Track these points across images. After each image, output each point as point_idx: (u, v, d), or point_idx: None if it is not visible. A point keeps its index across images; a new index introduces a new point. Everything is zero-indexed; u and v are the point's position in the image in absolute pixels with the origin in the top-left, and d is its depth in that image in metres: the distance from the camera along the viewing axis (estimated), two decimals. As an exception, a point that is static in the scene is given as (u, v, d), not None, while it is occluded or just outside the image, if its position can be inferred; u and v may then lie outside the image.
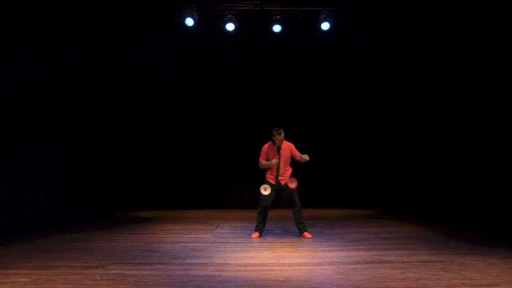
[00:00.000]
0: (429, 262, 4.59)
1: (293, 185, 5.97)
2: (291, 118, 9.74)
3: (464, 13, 7.12)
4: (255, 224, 6.23)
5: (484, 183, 7.34)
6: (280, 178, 6.06)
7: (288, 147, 6.12)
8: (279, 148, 6.05)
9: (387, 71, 9.30)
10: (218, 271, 4.37)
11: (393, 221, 7.67)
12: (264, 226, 6.24)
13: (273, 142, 6.09)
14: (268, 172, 6.17)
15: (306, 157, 5.93)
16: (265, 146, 6.17)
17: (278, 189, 6.11)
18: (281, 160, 6.05)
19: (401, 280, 3.95)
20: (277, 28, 8.39)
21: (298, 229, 6.20)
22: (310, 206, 9.40)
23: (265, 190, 5.96)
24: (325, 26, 8.34)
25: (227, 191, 9.72)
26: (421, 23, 8.14)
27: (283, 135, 6.01)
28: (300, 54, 9.55)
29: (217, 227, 7.15)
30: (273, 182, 6.09)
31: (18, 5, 6.36)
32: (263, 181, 6.15)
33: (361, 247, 5.42)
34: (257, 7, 8.27)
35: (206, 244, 5.75)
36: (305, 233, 6.12)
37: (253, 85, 9.73)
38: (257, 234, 6.17)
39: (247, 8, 8.32)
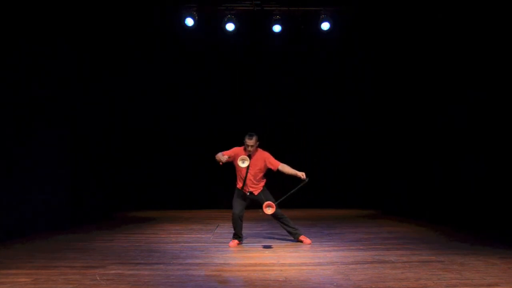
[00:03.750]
0: (429, 262, 4.59)
1: (269, 211, 5.30)
2: (291, 118, 9.77)
3: (466, 11, 7.11)
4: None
5: (484, 182, 7.32)
6: (251, 190, 5.56)
7: (261, 157, 5.54)
8: (249, 156, 5.45)
9: (387, 71, 9.29)
10: (218, 271, 4.37)
11: (393, 221, 7.67)
12: (240, 232, 5.71)
13: (245, 148, 5.54)
14: (238, 182, 5.67)
15: (303, 175, 5.29)
16: (238, 148, 5.60)
17: (251, 200, 5.64)
18: (249, 170, 5.48)
19: (401, 280, 3.96)
20: (277, 28, 8.39)
21: (292, 234, 5.77)
22: (310, 206, 9.45)
23: (243, 162, 5.31)
24: (325, 26, 8.34)
25: (227, 191, 9.69)
26: (422, 23, 8.13)
27: (254, 140, 5.43)
28: (300, 54, 9.55)
29: (217, 227, 7.15)
30: (245, 191, 5.59)
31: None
32: (235, 190, 5.69)
33: (361, 247, 5.42)
34: (257, 7, 8.26)
35: (206, 244, 5.75)
36: (302, 237, 5.76)
37: (253, 85, 9.73)
38: (235, 241, 5.68)
39: (247, 8, 8.32)
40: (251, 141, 5.45)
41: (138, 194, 9.49)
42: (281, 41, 8.93)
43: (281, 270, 4.37)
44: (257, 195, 5.63)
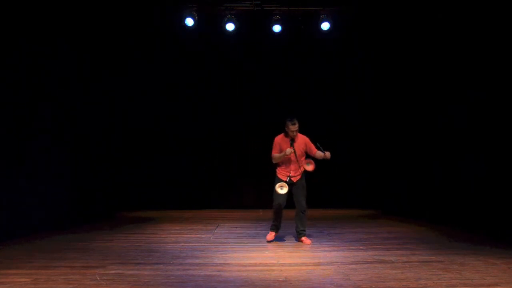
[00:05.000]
0: (429, 262, 4.59)
1: (309, 167, 5.59)
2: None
3: (466, 11, 7.11)
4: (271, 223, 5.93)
5: (484, 182, 7.33)
6: (292, 174, 5.68)
7: (302, 140, 5.73)
8: (292, 141, 5.64)
9: (387, 71, 9.29)
10: (218, 271, 4.37)
11: (393, 221, 7.68)
12: (279, 224, 5.86)
13: (286, 134, 5.70)
14: (279, 168, 5.75)
15: (328, 154, 5.59)
16: (278, 138, 5.76)
17: (290, 185, 5.69)
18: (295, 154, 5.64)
19: (401, 280, 3.96)
20: (277, 28, 8.39)
21: (297, 233, 5.87)
22: (310, 206, 9.40)
23: (281, 189, 5.57)
24: (325, 26, 8.34)
25: (227, 191, 9.72)
26: (421, 23, 8.13)
27: (297, 125, 5.60)
28: (300, 54, 9.55)
29: (217, 227, 7.15)
30: (284, 178, 5.68)
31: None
32: (275, 178, 5.80)
33: (361, 247, 5.42)
34: (257, 7, 8.26)
35: (206, 244, 5.75)
36: (304, 238, 5.80)
37: (253, 85, 9.73)
38: (272, 233, 5.86)
39: (247, 8, 8.32)
40: (295, 126, 5.59)
41: (138, 194, 9.48)
42: (281, 41, 8.93)
43: (281, 270, 4.37)
44: (295, 181, 5.72)
